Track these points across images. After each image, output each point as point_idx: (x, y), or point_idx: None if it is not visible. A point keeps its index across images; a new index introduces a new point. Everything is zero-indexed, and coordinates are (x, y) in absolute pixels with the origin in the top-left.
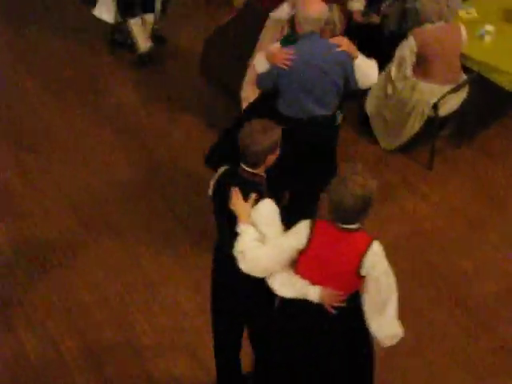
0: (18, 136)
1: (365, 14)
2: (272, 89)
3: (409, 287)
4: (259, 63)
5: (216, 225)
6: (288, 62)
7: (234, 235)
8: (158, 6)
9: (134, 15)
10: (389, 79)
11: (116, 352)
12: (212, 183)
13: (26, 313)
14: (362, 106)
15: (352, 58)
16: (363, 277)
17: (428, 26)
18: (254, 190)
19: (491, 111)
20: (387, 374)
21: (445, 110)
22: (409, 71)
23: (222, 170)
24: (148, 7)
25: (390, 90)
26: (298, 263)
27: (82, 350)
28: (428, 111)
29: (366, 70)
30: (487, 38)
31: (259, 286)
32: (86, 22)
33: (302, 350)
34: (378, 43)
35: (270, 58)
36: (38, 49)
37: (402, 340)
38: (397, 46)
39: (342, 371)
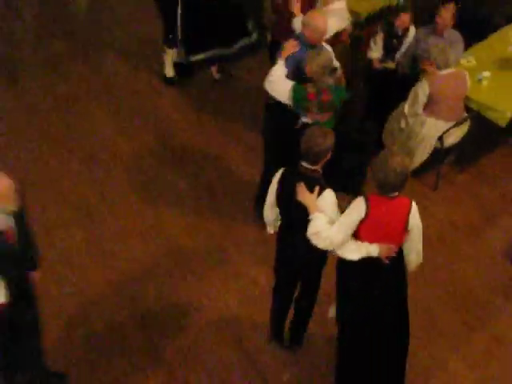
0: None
1: (382, 61)
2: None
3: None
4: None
5: (281, 213)
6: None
7: (297, 220)
8: None
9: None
10: (402, 115)
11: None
12: (276, 182)
13: None
14: (379, 137)
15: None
16: (408, 230)
17: (441, 74)
18: (316, 183)
19: (487, 142)
20: None
21: (449, 141)
22: (420, 109)
23: (281, 170)
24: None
25: (403, 124)
26: (359, 231)
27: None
28: (435, 143)
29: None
30: (484, 82)
31: (314, 254)
32: None
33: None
34: (393, 85)
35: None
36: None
37: None
38: (409, 87)
39: (397, 309)
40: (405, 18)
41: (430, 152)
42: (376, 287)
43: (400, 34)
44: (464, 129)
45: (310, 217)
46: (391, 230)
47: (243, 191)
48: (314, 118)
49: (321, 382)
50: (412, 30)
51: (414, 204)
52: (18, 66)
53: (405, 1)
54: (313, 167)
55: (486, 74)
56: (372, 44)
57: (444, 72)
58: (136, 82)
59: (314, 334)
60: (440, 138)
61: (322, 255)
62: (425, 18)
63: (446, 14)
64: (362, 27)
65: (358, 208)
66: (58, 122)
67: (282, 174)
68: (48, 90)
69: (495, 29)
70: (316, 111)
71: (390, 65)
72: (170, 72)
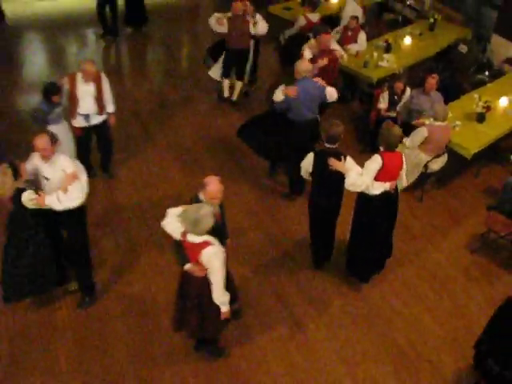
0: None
1: (387, 110)
2: (285, 108)
3: (405, 266)
4: (277, 96)
5: (316, 182)
6: (295, 93)
7: (330, 182)
8: (246, 78)
9: (227, 77)
10: (403, 147)
11: None
12: (310, 162)
13: None
14: None
15: (325, 88)
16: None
17: (437, 124)
18: (340, 155)
19: (457, 169)
20: None
21: (433, 167)
22: (416, 146)
23: (312, 153)
24: (239, 77)
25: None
26: (377, 176)
27: None
28: (422, 169)
29: (332, 92)
30: (457, 128)
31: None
32: None
33: (384, 210)
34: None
35: (286, 92)
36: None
37: None
38: (405, 130)
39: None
40: (399, 85)
41: (418, 174)
42: (386, 208)
43: (399, 93)
44: (444, 159)
45: (346, 175)
46: (395, 172)
47: None
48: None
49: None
50: (408, 91)
51: (403, 155)
52: None
53: (404, 70)
54: (334, 146)
55: (458, 122)
56: (381, 98)
57: (440, 123)
58: None
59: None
60: (425, 166)
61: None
62: (417, 82)
63: (432, 80)
64: (373, 87)
65: (376, 161)
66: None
67: (316, 155)
68: None
69: (464, 92)
70: None
71: (392, 113)
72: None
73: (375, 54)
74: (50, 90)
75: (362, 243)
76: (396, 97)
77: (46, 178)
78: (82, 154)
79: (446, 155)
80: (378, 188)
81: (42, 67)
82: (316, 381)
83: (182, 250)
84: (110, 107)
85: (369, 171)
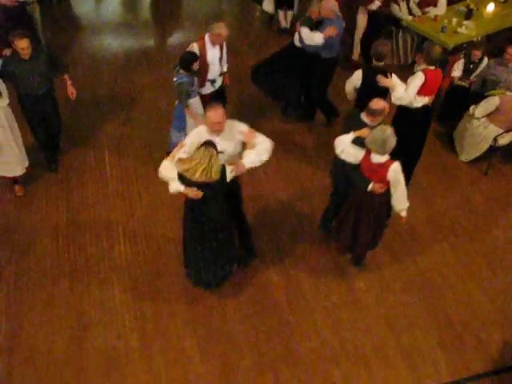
0: None
1: (460, 79)
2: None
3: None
4: (316, 38)
5: (361, 97)
6: (337, 32)
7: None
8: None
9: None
10: (471, 117)
11: None
12: (359, 78)
13: None
14: (452, 135)
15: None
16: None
17: (509, 94)
18: (386, 72)
19: None
20: None
21: (502, 142)
22: (485, 115)
23: (360, 70)
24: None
25: (469, 125)
26: (419, 90)
27: None
28: (491, 142)
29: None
30: None
31: None
32: None
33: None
34: (467, 97)
35: (329, 34)
36: None
37: None
38: (477, 100)
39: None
40: (477, 53)
41: (487, 147)
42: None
43: (476, 61)
44: None
45: (393, 90)
46: (435, 87)
47: None
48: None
49: None
50: (485, 60)
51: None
52: None
53: (482, 38)
54: (381, 63)
55: None
56: (455, 66)
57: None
58: None
59: None
60: (495, 139)
61: None
62: (495, 52)
63: (511, 50)
64: (449, 54)
65: (420, 77)
66: None
67: (363, 72)
68: None
69: None
70: None
71: (465, 84)
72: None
73: (454, 20)
74: (189, 59)
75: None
76: (472, 65)
77: (220, 152)
78: None
79: None
80: (419, 101)
81: None
82: (360, 341)
83: (359, 176)
84: (225, 67)
85: (413, 87)
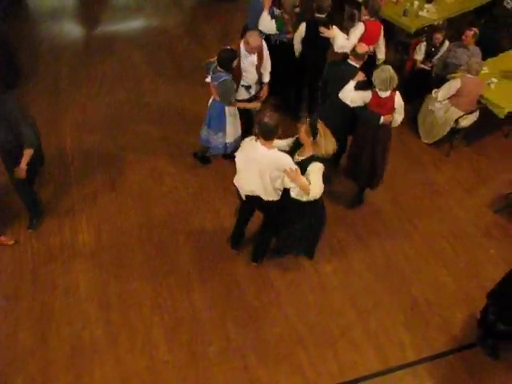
0: None
1: (422, 62)
2: None
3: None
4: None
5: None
6: None
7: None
8: None
9: None
10: (434, 100)
11: None
12: (303, 30)
13: None
14: (415, 118)
15: None
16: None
17: (469, 76)
18: (329, 23)
19: (488, 127)
20: None
21: (463, 124)
22: (447, 98)
23: (304, 23)
24: None
25: (431, 107)
26: (360, 39)
27: None
28: (452, 124)
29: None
30: (492, 86)
31: None
32: None
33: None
34: (429, 80)
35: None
36: None
37: None
38: (439, 83)
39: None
40: (438, 36)
41: (448, 130)
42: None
43: (437, 45)
44: (474, 116)
45: (334, 40)
46: (376, 37)
47: None
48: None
49: None
50: (446, 43)
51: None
52: None
53: (444, 22)
54: (323, 16)
55: (494, 80)
56: (417, 49)
57: (472, 76)
58: None
59: None
60: (456, 121)
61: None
62: (456, 35)
63: (469, 33)
64: (411, 37)
65: (360, 27)
66: None
67: (306, 25)
68: None
69: (503, 50)
70: (291, 30)
71: (427, 67)
72: None
73: (416, 3)
74: (228, 56)
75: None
76: (433, 48)
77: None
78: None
79: (477, 113)
80: (363, 48)
81: None
82: (327, 324)
83: (368, 112)
84: (266, 77)
85: (354, 35)
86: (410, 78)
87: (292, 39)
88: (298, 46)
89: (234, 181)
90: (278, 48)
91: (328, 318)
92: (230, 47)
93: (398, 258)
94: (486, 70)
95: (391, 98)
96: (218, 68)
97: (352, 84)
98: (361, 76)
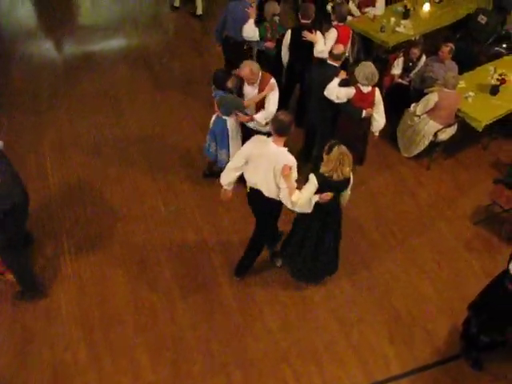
0: None
1: (400, 77)
2: None
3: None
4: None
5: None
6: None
7: (302, 51)
8: None
9: None
10: (412, 114)
11: None
12: (289, 36)
13: None
14: (394, 132)
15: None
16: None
17: (446, 91)
18: (312, 29)
19: (466, 140)
20: None
21: (442, 137)
22: (426, 112)
23: (291, 30)
24: None
25: (410, 122)
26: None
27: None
28: (431, 138)
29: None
30: (469, 99)
31: None
32: None
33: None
34: (407, 94)
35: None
36: None
37: None
38: (418, 97)
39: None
40: (415, 51)
41: (428, 143)
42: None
43: (414, 60)
44: (453, 129)
45: (316, 44)
46: (346, 39)
47: None
48: (268, 45)
49: None
50: (423, 58)
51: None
52: None
53: (420, 37)
54: (308, 22)
55: (471, 93)
56: (395, 64)
57: (449, 91)
58: None
59: None
60: (435, 134)
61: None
62: (433, 50)
63: (445, 48)
64: (389, 53)
65: (333, 32)
66: None
67: (291, 31)
68: None
69: (480, 64)
70: (270, 37)
71: (405, 81)
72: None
73: (393, 19)
74: (220, 76)
75: None
76: (411, 63)
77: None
78: None
79: (455, 126)
80: (339, 48)
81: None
82: (311, 339)
83: (352, 107)
84: (259, 116)
85: (329, 40)
86: (389, 93)
87: (270, 48)
88: (285, 54)
89: (223, 175)
90: (260, 57)
91: (311, 333)
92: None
93: (380, 272)
94: (462, 83)
95: (372, 93)
96: (213, 87)
97: (336, 81)
98: (343, 74)
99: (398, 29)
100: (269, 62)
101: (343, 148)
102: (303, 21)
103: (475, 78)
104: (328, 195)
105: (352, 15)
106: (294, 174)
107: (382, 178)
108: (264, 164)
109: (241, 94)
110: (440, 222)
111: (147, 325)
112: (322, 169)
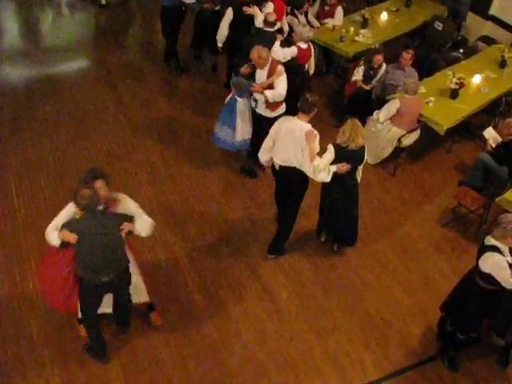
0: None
1: (362, 82)
2: None
3: (376, 240)
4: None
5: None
6: None
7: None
8: None
9: None
10: (375, 121)
11: None
12: (231, 13)
13: None
14: None
15: None
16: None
17: (407, 96)
18: (250, 3)
19: (430, 144)
20: None
21: (405, 142)
22: (389, 118)
23: (230, 8)
24: None
25: (374, 129)
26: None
27: None
28: (395, 144)
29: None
30: (430, 104)
31: None
32: None
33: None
34: (370, 102)
35: None
36: None
37: None
38: (380, 105)
39: None
40: (379, 57)
41: (392, 149)
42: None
43: (375, 67)
44: (416, 134)
45: (256, 17)
46: (281, 12)
47: None
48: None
49: None
50: (384, 66)
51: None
52: None
53: (379, 45)
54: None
55: (432, 98)
56: (355, 72)
57: (410, 96)
58: None
59: None
60: (399, 140)
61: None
62: (392, 57)
63: (407, 55)
64: (349, 61)
65: (269, 5)
66: None
67: (233, 9)
68: None
69: (439, 69)
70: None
71: (367, 87)
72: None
73: (351, 29)
74: (236, 63)
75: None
76: (372, 71)
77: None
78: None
79: (418, 131)
80: (272, 16)
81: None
82: (287, 350)
83: (297, 65)
84: (269, 96)
85: (268, 12)
86: (351, 101)
87: (209, 8)
88: (224, 31)
89: (260, 155)
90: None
91: (287, 344)
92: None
93: (351, 279)
94: (423, 89)
95: (309, 48)
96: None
97: (277, 44)
98: (280, 37)
99: (357, 38)
100: (208, 22)
101: (356, 120)
102: None
103: (435, 83)
104: (344, 165)
105: (312, 26)
106: (317, 145)
107: None
108: (292, 139)
109: (253, 78)
110: (407, 226)
111: (121, 345)
112: (339, 139)
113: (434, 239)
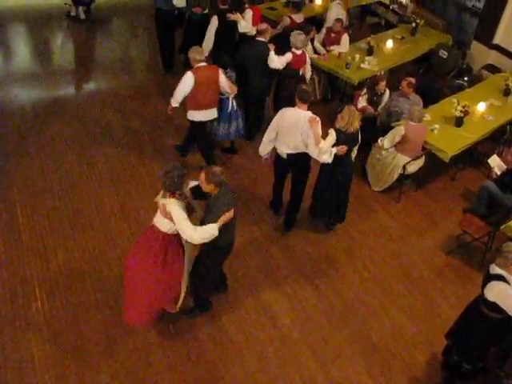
0: None
1: (369, 105)
2: None
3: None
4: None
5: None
6: None
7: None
8: None
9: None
10: (380, 148)
11: None
12: (216, 20)
13: None
14: (363, 165)
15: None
16: None
17: (412, 124)
18: (233, 10)
19: (435, 171)
20: None
21: (410, 169)
22: (393, 145)
23: (215, 16)
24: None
25: (379, 156)
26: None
27: None
28: (400, 171)
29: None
30: (435, 131)
31: None
32: None
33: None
34: (375, 129)
35: None
36: None
37: None
38: (385, 132)
39: None
40: (382, 85)
41: (397, 176)
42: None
43: (379, 93)
44: (421, 162)
45: (239, 22)
46: (257, 19)
47: None
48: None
49: None
50: (387, 92)
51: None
52: None
53: (384, 73)
54: (226, 6)
55: (437, 126)
56: (360, 98)
57: (415, 124)
58: None
59: None
60: (404, 167)
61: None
62: (397, 84)
63: (404, 83)
64: (354, 88)
65: (248, 12)
66: None
67: (218, 16)
68: None
69: (443, 97)
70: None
71: (374, 112)
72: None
73: (357, 56)
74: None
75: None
76: (375, 97)
77: None
78: None
79: (423, 158)
80: (263, 25)
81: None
82: (289, 377)
83: (291, 69)
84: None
85: (248, 18)
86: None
87: (197, 12)
88: (210, 40)
89: (261, 148)
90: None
91: (290, 370)
92: None
93: (355, 306)
94: (428, 116)
95: (303, 54)
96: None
97: (272, 53)
98: (272, 46)
99: (362, 65)
100: (196, 26)
101: (352, 107)
102: (222, 6)
103: (440, 110)
104: (343, 148)
105: (318, 53)
106: (319, 129)
107: (353, 211)
108: (298, 127)
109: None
110: (412, 253)
111: (123, 369)
112: (338, 124)
113: (439, 267)
